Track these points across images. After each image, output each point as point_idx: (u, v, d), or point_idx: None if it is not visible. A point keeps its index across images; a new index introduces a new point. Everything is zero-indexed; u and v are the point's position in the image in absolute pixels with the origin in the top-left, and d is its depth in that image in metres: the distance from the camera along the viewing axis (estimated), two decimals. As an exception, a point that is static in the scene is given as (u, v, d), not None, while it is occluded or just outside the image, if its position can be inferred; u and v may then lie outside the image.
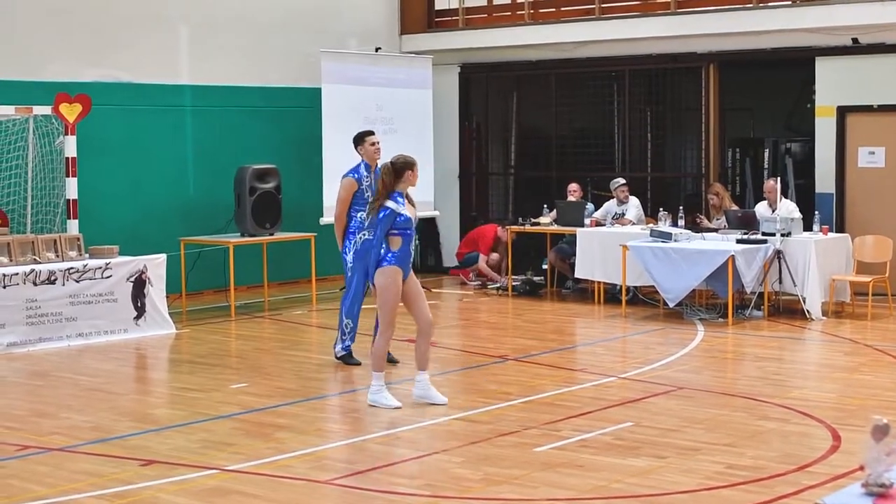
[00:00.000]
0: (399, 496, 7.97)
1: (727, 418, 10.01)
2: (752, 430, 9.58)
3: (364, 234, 12.03)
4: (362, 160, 12.43)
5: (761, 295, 15.28)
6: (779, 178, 16.45)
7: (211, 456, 9.04)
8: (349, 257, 12.26)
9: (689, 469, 8.46)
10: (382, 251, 10.33)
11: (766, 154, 20.14)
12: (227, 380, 12.02)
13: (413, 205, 10.58)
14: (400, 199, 10.40)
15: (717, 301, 15.92)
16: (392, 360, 12.00)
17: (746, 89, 20.01)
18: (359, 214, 12.17)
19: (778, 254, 14.97)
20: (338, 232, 12.37)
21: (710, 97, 18.23)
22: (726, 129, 18.92)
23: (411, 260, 10.55)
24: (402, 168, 10.49)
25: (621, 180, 17.51)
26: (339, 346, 12.54)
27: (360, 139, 12.55)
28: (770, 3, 17.48)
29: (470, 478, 8.35)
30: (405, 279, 10.43)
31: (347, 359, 12.46)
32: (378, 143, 12.48)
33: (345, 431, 9.89)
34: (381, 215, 10.30)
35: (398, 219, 10.32)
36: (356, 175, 12.35)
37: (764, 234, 15.27)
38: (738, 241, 15.13)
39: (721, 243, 15.26)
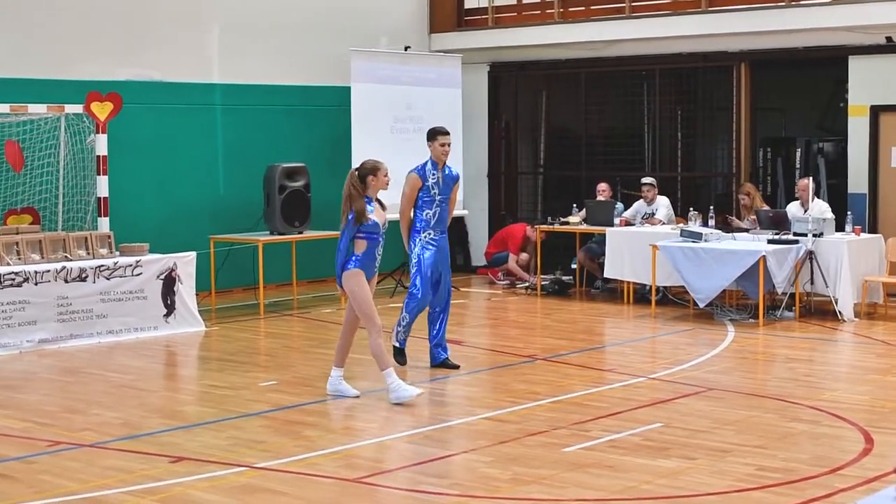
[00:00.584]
0: (427, 495, 7.97)
1: (758, 420, 9.96)
2: (782, 432, 9.54)
3: (430, 233, 11.95)
4: (430, 157, 12.14)
5: (792, 296, 15.21)
6: (811, 178, 16.36)
7: (240, 453, 9.05)
8: (414, 255, 12.04)
9: (720, 471, 8.42)
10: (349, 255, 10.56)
11: (798, 154, 20.04)
12: (257, 377, 12.04)
13: (384, 208, 10.80)
14: (369, 204, 10.54)
15: (747, 302, 15.86)
16: (453, 366, 11.96)
17: (778, 88, 19.91)
18: (424, 213, 12.00)
19: (810, 254, 14.91)
20: (403, 229, 12.17)
21: (742, 96, 18.16)
22: (758, 129, 18.84)
23: (376, 264, 10.71)
24: (364, 174, 10.64)
25: (646, 180, 17.43)
26: (395, 339, 12.38)
27: (432, 135, 12.16)
28: (803, 2, 17.39)
29: (499, 477, 8.34)
30: (370, 278, 10.65)
31: (396, 354, 12.24)
32: (448, 144, 12.12)
33: (373, 430, 9.88)
34: (348, 219, 10.48)
35: (366, 223, 10.50)
36: (421, 172, 12.07)
37: (795, 234, 15.20)
38: (770, 242, 15.07)
39: (752, 243, 15.20)
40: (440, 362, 12.20)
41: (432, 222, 11.99)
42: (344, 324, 10.95)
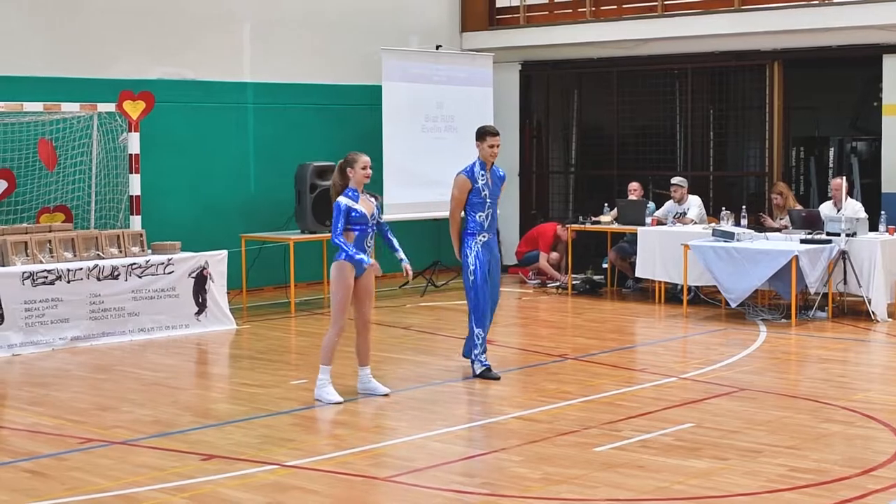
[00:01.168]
0: (458, 494, 7.96)
1: (790, 420, 9.92)
2: (815, 433, 9.49)
3: (484, 236, 11.67)
4: (477, 159, 11.78)
5: (825, 296, 15.14)
6: (844, 177, 16.28)
7: (270, 451, 9.07)
8: (470, 260, 11.67)
9: (751, 471, 8.39)
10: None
11: (832, 153, 19.98)
12: (287, 376, 12.06)
13: (374, 198, 10.76)
14: (353, 194, 10.54)
15: (779, 302, 15.80)
16: (494, 377, 11.68)
17: (811, 87, 19.84)
18: (478, 215, 11.64)
19: (843, 254, 14.83)
20: (453, 233, 11.81)
21: (774, 95, 18.09)
22: (790, 128, 18.78)
23: (367, 255, 10.63)
24: (344, 167, 10.64)
25: (675, 180, 17.37)
26: (476, 364, 11.76)
27: (481, 136, 11.78)
28: (836, 1, 17.30)
29: (529, 477, 8.32)
30: (360, 275, 10.63)
31: (486, 374, 11.68)
32: (497, 145, 11.78)
33: (403, 428, 9.87)
34: (334, 212, 10.46)
35: (352, 213, 10.49)
36: (470, 174, 11.67)
37: (828, 233, 15.13)
38: (802, 241, 15.00)
39: (784, 243, 15.14)
40: (479, 373, 11.76)
41: (485, 225, 11.66)
42: (355, 324, 10.94)
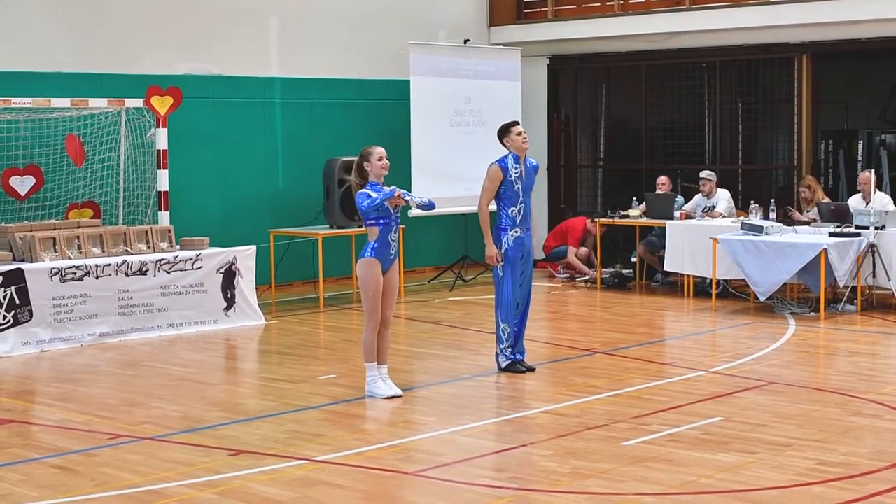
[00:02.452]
0: (486, 489, 7.96)
1: (819, 414, 9.88)
2: (844, 427, 9.45)
3: (517, 231, 11.52)
4: (510, 152, 11.61)
5: (854, 289, 15.09)
6: (873, 170, 16.21)
7: (299, 446, 9.08)
8: (501, 255, 11.53)
9: (780, 465, 8.36)
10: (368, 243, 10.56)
11: (860, 146, 19.90)
12: (316, 371, 12.07)
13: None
14: (376, 188, 10.53)
15: (808, 295, 15.74)
16: (530, 368, 11.72)
17: (840, 80, 19.76)
18: (510, 210, 11.51)
19: (872, 247, 14.77)
20: (483, 224, 11.60)
21: (803, 88, 18.02)
22: (819, 121, 18.69)
23: (392, 251, 10.60)
24: (360, 163, 10.64)
25: (703, 174, 17.31)
26: (501, 358, 11.71)
27: (505, 130, 11.67)
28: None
29: (557, 471, 8.31)
30: (386, 271, 10.58)
31: (512, 367, 11.66)
32: (524, 132, 11.66)
33: (432, 423, 9.87)
34: (361, 204, 10.46)
35: (378, 207, 10.46)
36: (503, 164, 11.52)
37: (857, 227, 15.07)
38: (831, 235, 14.95)
39: (813, 236, 15.08)
40: (505, 368, 11.71)
41: (518, 219, 11.51)
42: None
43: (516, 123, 11.80)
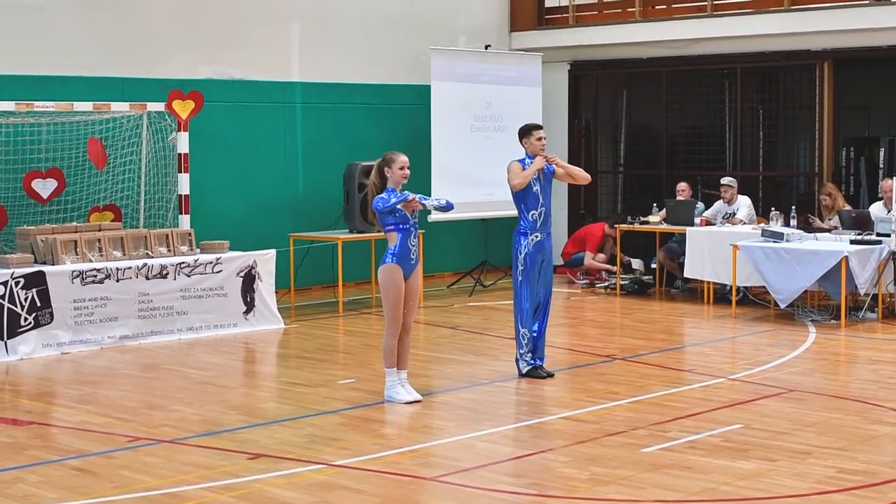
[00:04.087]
0: (505, 495, 7.95)
1: (839, 422, 9.85)
2: (865, 435, 9.42)
3: (536, 236, 11.52)
4: (527, 154, 11.64)
5: (875, 297, 15.04)
6: (895, 178, 16.15)
7: (318, 450, 9.08)
8: (520, 260, 11.55)
9: (800, 473, 8.34)
10: (387, 248, 10.56)
11: (882, 153, 19.82)
12: (335, 375, 12.09)
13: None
14: (394, 194, 10.50)
15: (829, 303, 15.70)
16: (549, 374, 11.70)
17: (862, 87, 19.71)
18: (530, 214, 11.50)
19: (893, 255, 14.72)
20: (525, 176, 11.41)
21: (825, 95, 17.98)
22: (840, 128, 18.65)
23: (412, 256, 10.60)
24: (381, 166, 10.62)
25: (725, 180, 17.29)
26: (521, 363, 11.71)
27: (526, 132, 11.67)
28: (886, 0, 17.17)
29: (576, 477, 8.30)
30: (407, 276, 10.57)
31: (533, 373, 11.65)
32: (544, 138, 11.67)
33: (451, 428, 9.86)
34: (376, 204, 10.47)
35: (396, 212, 10.46)
36: (522, 162, 11.55)
37: (878, 234, 15.03)
38: (852, 242, 14.90)
39: (834, 244, 15.04)
40: (526, 373, 11.71)
41: (538, 223, 11.51)
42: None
43: (539, 128, 11.80)
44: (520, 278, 11.60)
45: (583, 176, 12.07)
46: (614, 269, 18.09)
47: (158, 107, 15.12)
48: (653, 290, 17.84)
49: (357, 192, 16.44)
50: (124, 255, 14.03)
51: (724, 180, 17.27)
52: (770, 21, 18.11)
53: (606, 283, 18.21)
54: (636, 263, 18.60)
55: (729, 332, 14.66)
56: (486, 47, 19.54)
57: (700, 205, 17.56)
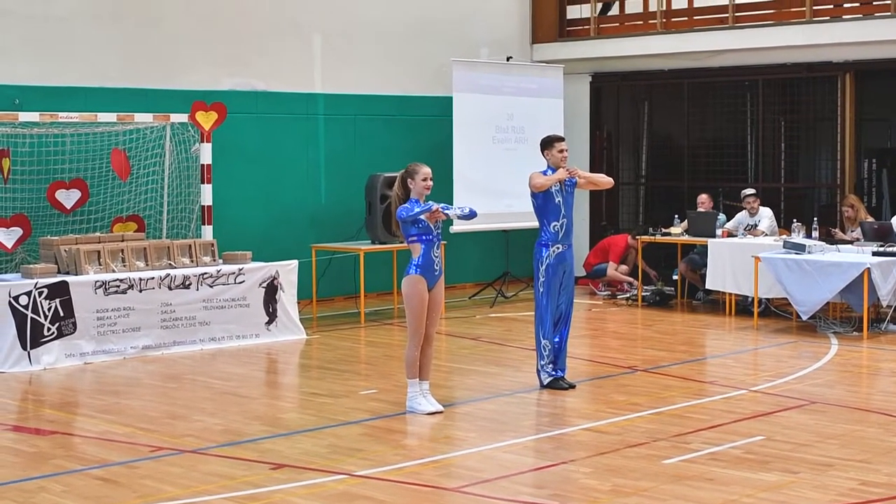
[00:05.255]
0: (526, 505, 7.97)
1: (861, 434, 9.84)
2: (887, 447, 9.41)
3: (558, 247, 11.55)
4: (549, 166, 11.69)
5: (897, 308, 15.03)
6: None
7: (339, 461, 9.11)
8: (541, 271, 11.58)
9: (822, 485, 8.33)
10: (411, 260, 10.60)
11: (904, 165, 19.76)
12: (357, 385, 12.11)
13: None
14: (417, 205, 10.54)
15: (851, 314, 15.67)
16: (570, 385, 11.70)
17: (884, 99, 19.65)
18: (552, 225, 11.53)
19: (915, 267, 14.70)
20: (547, 181, 11.45)
21: (846, 107, 17.96)
22: (862, 140, 18.62)
23: (436, 267, 10.63)
24: (404, 177, 10.68)
25: (749, 191, 17.30)
26: (543, 375, 11.73)
27: (548, 143, 11.69)
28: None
29: (598, 489, 8.31)
30: (431, 288, 10.59)
31: (554, 384, 11.67)
32: (566, 150, 11.69)
33: (472, 439, 9.88)
34: (400, 213, 10.53)
35: (419, 224, 10.50)
36: (544, 173, 11.59)
37: (901, 246, 15.01)
38: (874, 254, 14.87)
39: (856, 255, 15.01)
40: (547, 384, 11.73)
41: (560, 235, 11.54)
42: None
43: (561, 140, 11.81)
44: (541, 289, 11.61)
45: (606, 181, 12.14)
46: (636, 281, 18.08)
47: (182, 118, 15.18)
48: (674, 301, 17.83)
49: (379, 203, 16.47)
50: (147, 265, 14.08)
51: (749, 191, 17.25)
52: (791, 33, 18.10)
53: (628, 295, 18.21)
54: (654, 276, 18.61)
55: (751, 343, 14.64)
56: (508, 59, 19.57)
57: (722, 216, 17.55)
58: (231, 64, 16.98)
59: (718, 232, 16.99)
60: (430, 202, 10.55)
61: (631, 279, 18.37)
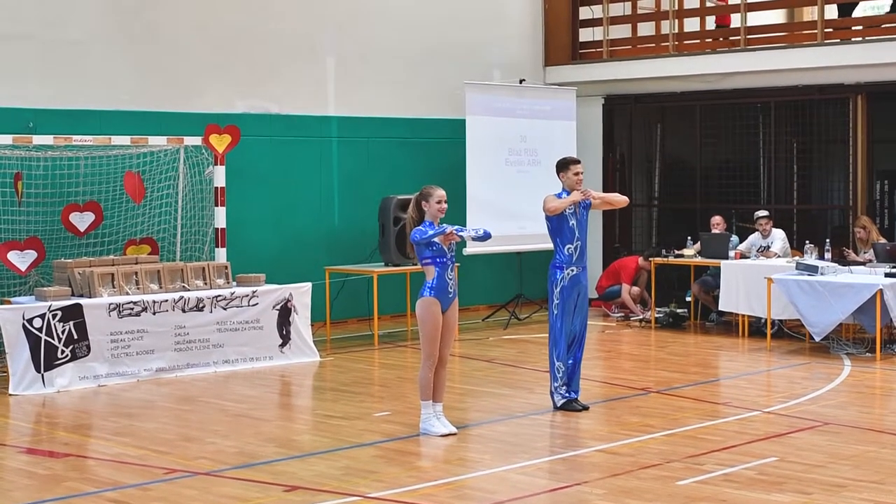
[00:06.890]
0: (540, 527, 7.97)
1: (875, 455, 9.83)
2: (900, 468, 9.41)
3: (572, 270, 11.56)
4: (563, 188, 11.73)
5: (911, 330, 15.01)
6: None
7: (353, 483, 9.11)
8: (555, 293, 11.61)
9: (836, 506, 8.34)
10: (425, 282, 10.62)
11: (916, 187, 19.76)
12: (371, 408, 12.12)
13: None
14: (431, 228, 10.57)
15: (864, 335, 15.66)
16: (584, 407, 11.71)
17: (896, 120, 19.67)
18: (566, 248, 11.57)
19: (928, 288, 14.68)
20: (561, 204, 11.50)
21: (858, 129, 17.97)
22: (874, 161, 18.62)
23: (450, 288, 10.64)
24: (419, 199, 10.72)
25: (762, 213, 17.30)
26: (556, 396, 11.75)
27: (564, 166, 11.75)
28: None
29: (611, 510, 8.32)
30: (445, 310, 10.61)
31: (567, 406, 11.68)
32: (581, 172, 11.73)
33: (486, 461, 9.89)
34: (414, 236, 10.54)
35: (433, 246, 10.51)
36: (558, 195, 11.64)
37: (914, 267, 15.00)
38: (887, 275, 14.86)
39: (869, 277, 15.01)
40: (561, 406, 11.75)
41: (574, 257, 11.56)
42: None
43: (577, 162, 11.85)
44: (555, 311, 11.63)
45: (620, 200, 12.20)
46: (643, 312, 18.05)
47: (195, 141, 15.24)
48: (688, 323, 17.83)
49: (392, 225, 16.50)
50: (161, 287, 14.12)
51: (763, 213, 17.26)
52: (804, 55, 18.12)
53: (641, 317, 18.21)
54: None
55: (764, 364, 14.63)
56: (521, 81, 19.61)
57: (734, 238, 17.56)
58: (244, 87, 17.04)
59: (731, 254, 16.99)
60: (445, 225, 10.58)
61: (638, 311, 18.34)
